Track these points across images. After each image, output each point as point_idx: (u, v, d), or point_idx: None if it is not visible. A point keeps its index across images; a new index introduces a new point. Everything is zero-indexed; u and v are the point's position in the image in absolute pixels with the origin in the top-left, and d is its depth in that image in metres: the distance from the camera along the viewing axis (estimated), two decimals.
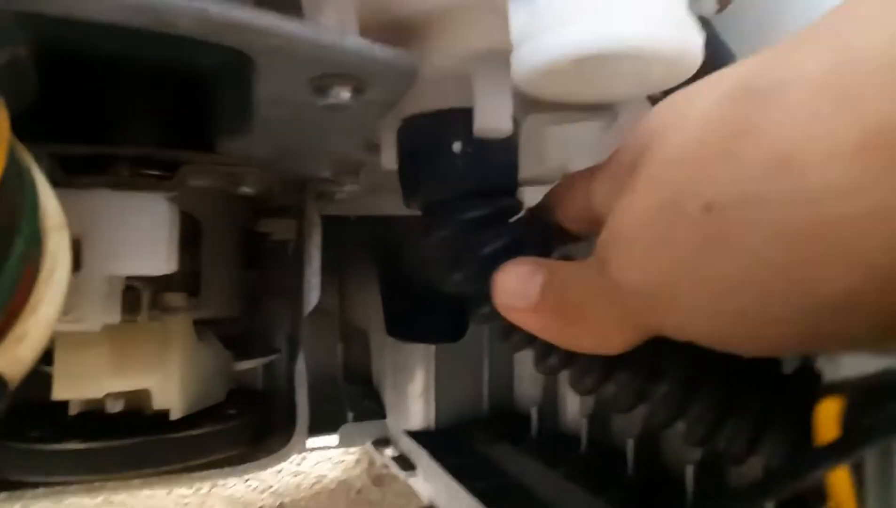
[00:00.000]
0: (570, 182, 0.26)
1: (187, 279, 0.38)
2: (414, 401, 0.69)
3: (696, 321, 0.18)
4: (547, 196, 0.27)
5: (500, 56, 0.27)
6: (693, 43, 0.19)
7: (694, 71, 0.20)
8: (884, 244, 0.13)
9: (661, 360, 0.24)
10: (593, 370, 0.24)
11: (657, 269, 0.17)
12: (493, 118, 0.27)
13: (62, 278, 0.15)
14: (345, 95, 0.23)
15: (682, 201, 0.16)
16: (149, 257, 0.26)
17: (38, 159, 0.32)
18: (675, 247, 0.16)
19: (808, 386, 0.24)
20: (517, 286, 0.23)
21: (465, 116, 0.26)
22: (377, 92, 0.24)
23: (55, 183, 0.32)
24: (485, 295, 0.26)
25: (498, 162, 0.27)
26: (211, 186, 0.38)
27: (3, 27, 0.16)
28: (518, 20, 0.21)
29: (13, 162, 0.14)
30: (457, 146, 0.26)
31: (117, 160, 0.33)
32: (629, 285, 0.18)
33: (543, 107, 0.34)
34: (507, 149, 0.28)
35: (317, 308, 0.46)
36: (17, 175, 0.14)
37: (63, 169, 0.33)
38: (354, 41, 0.21)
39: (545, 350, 0.25)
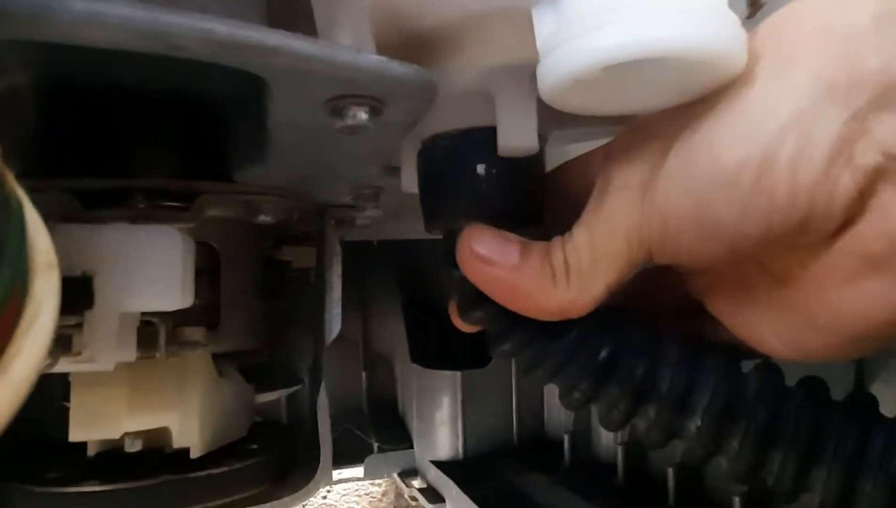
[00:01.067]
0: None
1: (206, 312, 0.37)
2: (441, 430, 0.67)
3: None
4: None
5: (524, 71, 0.25)
6: (739, 41, 0.18)
7: (740, 73, 0.18)
8: None
9: (691, 391, 0.23)
10: (619, 403, 0.24)
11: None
12: (517, 137, 0.25)
13: (45, 328, 0.13)
14: (362, 116, 0.22)
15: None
16: (163, 293, 0.25)
17: (56, 194, 0.31)
18: None
19: (864, 412, 0.22)
20: (495, 245, 0.24)
21: (488, 135, 0.25)
22: (396, 112, 0.23)
23: (72, 218, 0.32)
24: (507, 331, 0.25)
25: (525, 183, 0.26)
26: (229, 215, 0.37)
27: None
28: (544, 29, 0.19)
29: (1, 193, 0.13)
30: (481, 168, 0.25)
31: (134, 193, 0.33)
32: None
33: (570, 122, 0.32)
34: (533, 168, 0.27)
35: (340, 336, 0.44)
36: (5, 207, 0.13)
37: (81, 203, 0.32)
38: (371, 59, 0.20)
39: (570, 384, 0.24)
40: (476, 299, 0.25)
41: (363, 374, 0.78)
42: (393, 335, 0.76)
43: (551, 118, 0.27)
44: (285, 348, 0.56)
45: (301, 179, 0.35)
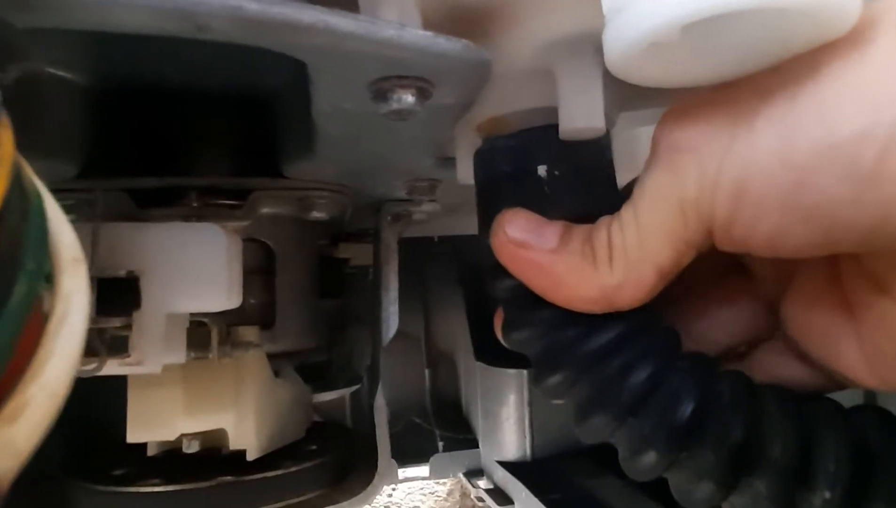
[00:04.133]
0: None
1: (261, 311, 0.36)
2: (507, 430, 0.65)
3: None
4: None
5: (587, 43, 0.23)
6: None
7: (850, 28, 0.15)
8: None
9: (811, 456, 0.18)
10: (712, 472, 0.18)
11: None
12: (582, 117, 0.23)
13: (77, 328, 0.12)
14: (409, 99, 0.20)
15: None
16: (209, 293, 0.24)
17: (111, 194, 0.31)
18: None
19: None
20: (531, 227, 0.21)
21: (549, 134, 0.23)
22: (446, 94, 0.21)
23: (127, 217, 0.32)
24: (557, 360, 0.21)
25: (591, 184, 0.23)
26: (282, 212, 0.36)
27: (12, 41, 0.14)
28: None
29: (17, 185, 0.11)
30: (542, 170, 0.22)
31: (187, 191, 0.32)
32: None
33: (637, 101, 0.30)
34: (600, 167, 0.23)
35: (402, 334, 0.43)
36: (22, 200, 0.12)
37: (135, 202, 0.32)
38: (416, 34, 0.18)
39: (641, 444, 0.19)
40: (520, 310, 0.22)
41: (426, 372, 0.77)
42: (456, 333, 0.75)
43: (617, 98, 0.25)
44: (344, 346, 0.55)
45: (352, 172, 0.34)
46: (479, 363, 0.67)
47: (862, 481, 0.18)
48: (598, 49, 0.23)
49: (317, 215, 0.36)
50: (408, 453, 0.68)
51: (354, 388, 0.51)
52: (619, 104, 0.26)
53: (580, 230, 0.21)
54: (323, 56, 0.18)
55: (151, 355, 0.24)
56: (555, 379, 0.21)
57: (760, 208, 0.16)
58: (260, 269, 0.37)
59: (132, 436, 0.30)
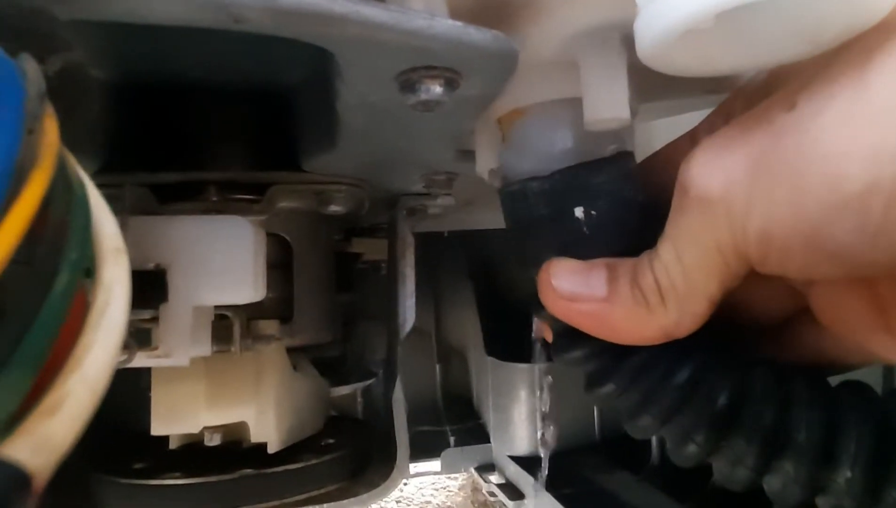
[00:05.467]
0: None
1: (279, 305, 0.36)
2: (519, 425, 0.65)
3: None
4: None
5: (613, 33, 0.23)
6: None
7: (884, 15, 0.15)
8: None
9: (834, 437, 0.19)
10: (746, 458, 0.20)
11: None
12: (606, 107, 0.23)
13: (118, 319, 0.12)
14: (437, 90, 0.20)
15: None
16: (235, 285, 0.24)
17: (131, 188, 0.32)
18: None
19: None
20: (578, 278, 0.22)
21: (585, 172, 0.23)
22: (472, 85, 0.21)
23: (147, 212, 0.32)
24: (608, 370, 0.23)
25: (627, 217, 0.23)
26: (300, 206, 0.36)
27: (55, 33, 0.14)
28: None
29: (62, 175, 0.11)
30: (579, 211, 0.23)
31: (207, 186, 0.32)
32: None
33: (660, 92, 0.29)
34: (633, 198, 0.23)
35: (413, 329, 0.43)
36: (66, 190, 0.12)
37: (155, 197, 0.32)
38: (446, 24, 0.18)
39: (683, 435, 0.21)
40: (571, 335, 0.23)
41: (437, 367, 0.77)
42: (466, 328, 0.75)
43: (639, 89, 0.25)
44: (358, 341, 0.55)
45: (371, 166, 0.34)
46: (490, 357, 0.67)
47: (884, 460, 0.19)
48: (624, 38, 0.23)
49: (335, 208, 0.36)
50: (419, 448, 0.69)
51: (369, 382, 0.51)
52: (642, 95, 0.26)
53: (625, 272, 0.21)
54: (353, 46, 0.18)
55: (179, 347, 0.24)
56: (607, 389, 0.23)
57: (786, 253, 0.17)
58: (278, 263, 0.37)
59: (156, 429, 0.30)
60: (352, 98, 0.23)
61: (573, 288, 0.22)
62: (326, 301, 0.42)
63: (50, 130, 0.11)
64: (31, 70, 0.12)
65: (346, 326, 0.51)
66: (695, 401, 0.21)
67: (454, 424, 0.72)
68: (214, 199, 0.33)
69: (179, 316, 0.24)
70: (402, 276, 0.40)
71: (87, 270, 0.12)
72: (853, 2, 0.15)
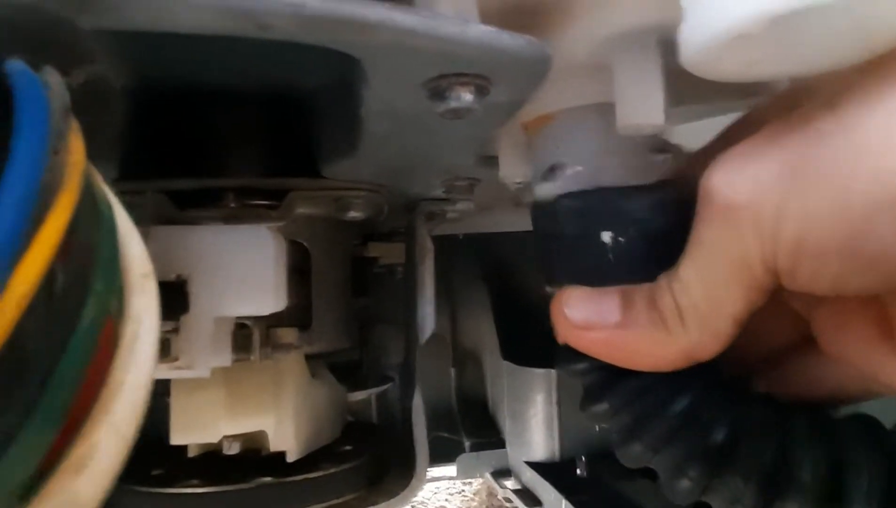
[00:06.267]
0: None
1: (298, 312, 0.36)
2: (535, 430, 0.64)
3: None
4: None
5: (648, 35, 0.22)
6: None
7: None
8: None
9: (841, 477, 0.18)
10: (743, 498, 0.19)
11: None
12: (641, 112, 0.22)
13: (148, 354, 0.11)
14: (467, 97, 0.19)
15: None
16: (256, 296, 0.24)
17: (150, 195, 0.31)
18: None
19: None
20: (590, 305, 0.21)
21: (615, 196, 0.22)
22: (503, 92, 0.20)
23: (167, 219, 0.32)
24: (604, 387, 0.22)
25: (654, 247, 0.22)
26: (318, 212, 0.35)
27: (78, 44, 0.13)
28: None
29: (88, 196, 0.11)
30: (607, 236, 0.22)
31: (225, 192, 0.32)
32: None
33: (692, 96, 0.29)
34: (664, 230, 0.22)
35: None
36: (92, 212, 0.11)
37: (174, 204, 0.32)
38: (479, 29, 0.17)
39: (675, 468, 0.20)
40: (577, 356, 0.22)
41: (452, 371, 0.77)
42: (482, 331, 0.74)
43: (673, 92, 0.24)
44: (374, 345, 0.55)
45: (392, 171, 0.33)
46: (506, 362, 0.66)
47: (894, 499, 0.18)
48: (660, 42, 0.22)
49: (353, 214, 0.35)
50: (434, 452, 0.68)
51: (386, 387, 0.51)
52: (674, 99, 0.25)
53: (641, 295, 0.20)
54: (382, 53, 0.18)
55: (200, 358, 0.23)
56: (599, 408, 0.22)
57: (821, 261, 0.16)
58: (296, 270, 0.36)
59: (176, 439, 0.30)
60: (376, 104, 0.22)
61: (585, 316, 0.21)
62: (344, 307, 0.42)
63: (76, 149, 0.11)
64: (55, 84, 0.11)
65: (362, 330, 0.50)
66: (690, 433, 0.20)
67: (469, 428, 0.72)
68: (232, 205, 0.32)
69: (201, 327, 0.23)
70: (421, 282, 0.40)
71: (116, 298, 0.11)
72: None
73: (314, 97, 0.31)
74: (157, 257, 0.24)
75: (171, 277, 0.23)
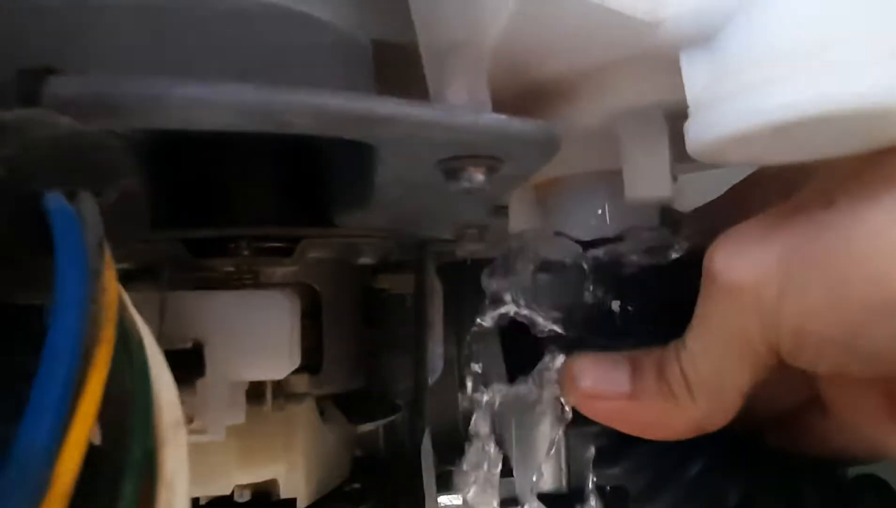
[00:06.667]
0: None
1: (308, 356, 0.36)
2: (543, 459, 0.64)
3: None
4: None
5: (655, 109, 0.23)
6: None
7: None
8: None
9: None
10: None
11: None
12: (648, 184, 0.23)
13: None
14: (479, 177, 0.20)
15: None
16: (272, 361, 0.24)
17: (167, 243, 0.32)
18: None
19: None
20: (601, 374, 0.22)
21: (625, 271, 0.23)
22: (514, 168, 0.21)
23: (184, 266, 0.32)
24: (618, 450, 0.23)
25: (662, 314, 0.23)
26: (330, 256, 0.36)
27: (113, 159, 0.14)
28: (695, 77, 0.16)
29: (122, 341, 0.11)
30: (616, 304, 0.23)
31: (239, 240, 0.32)
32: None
33: (699, 164, 0.29)
34: (675, 298, 0.23)
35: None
36: (126, 357, 0.11)
37: (189, 251, 0.32)
38: (491, 119, 0.18)
39: None
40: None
41: (459, 395, 0.77)
42: (488, 356, 0.74)
43: (679, 155, 0.24)
44: (381, 373, 0.55)
45: (404, 221, 0.34)
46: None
47: None
48: (667, 115, 0.23)
49: (364, 260, 0.36)
50: (441, 479, 0.68)
51: (394, 418, 0.51)
52: (681, 160, 0.26)
53: (650, 365, 0.21)
54: (396, 141, 0.18)
55: (216, 422, 0.24)
56: (614, 471, 0.24)
57: (820, 350, 0.17)
58: (307, 313, 0.37)
59: (190, 492, 0.30)
60: (390, 175, 0.23)
61: (596, 385, 0.22)
62: (355, 346, 0.42)
63: (110, 286, 0.11)
64: (90, 216, 0.12)
65: (370, 358, 0.51)
66: (704, 497, 0.21)
67: None
68: (246, 253, 0.33)
69: (216, 391, 0.24)
70: (430, 323, 0.40)
71: (149, 463, 0.11)
72: None
73: (329, 154, 0.32)
74: (174, 323, 0.24)
75: (189, 344, 0.23)
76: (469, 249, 0.42)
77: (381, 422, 0.50)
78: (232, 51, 0.17)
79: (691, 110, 0.17)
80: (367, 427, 0.48)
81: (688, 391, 0.20)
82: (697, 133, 0.16)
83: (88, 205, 0.12)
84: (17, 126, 0.11)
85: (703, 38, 0.15)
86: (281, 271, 0.35)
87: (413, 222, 0.34)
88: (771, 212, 0.18)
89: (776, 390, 0.23)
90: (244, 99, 0.15)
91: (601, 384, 0.22)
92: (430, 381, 0.40)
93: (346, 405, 0.43)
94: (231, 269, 0.33)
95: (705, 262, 0.19)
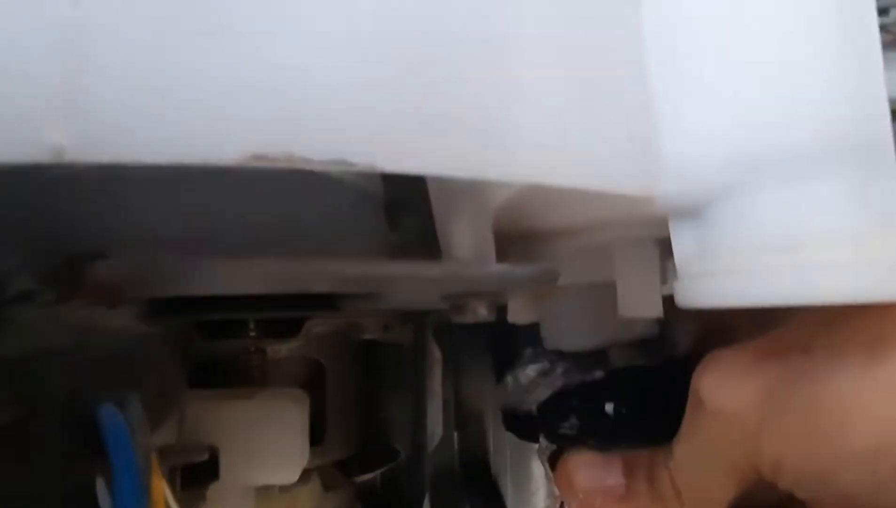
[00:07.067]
0: None
1: (312, 429, 0.37)
2: (537, 504, 0.65)
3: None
4: None
5: (647, 239, 0.24)
6: None
7: None
8: None
9: None
10: None
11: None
12: (640, 305, 0.24)
13: None
14: (482, 311, 0.21)
15: None
16: (284, 465, 0.26)
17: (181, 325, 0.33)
18: None
19: None
20: (595, 476, 0.23)
21: (622, 375, 0.24)
22: (515, 295, 0.22)
23: (197, 349, 0.34)
24: None
25: (653, 418, 0.24)
26: (335, 331, 0.37)
27: (156, 357, 0.15)
28: (684, 245, 0.18)
29: None
30: (609, 407, 0.24)
31: (247, 323, 0.34)
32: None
33: None
34: (667, 403, 0.24)
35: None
36: None
37: (200, 334, 0.33)
38: (496, 268, 0.19)
39: None
40: None
41: (455, 434, 0.78)
42: (485, 394, 0.75)
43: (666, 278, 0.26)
44: (379, 420, 0.56)
45: (408, 305, 0.35)
46: (508, 432, 0.68)
47: None
48: (658, 242, 0.24)
49: (368, 336, 0.37)
50: None
51: (392, 465, 0.52)
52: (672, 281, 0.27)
53: (642, 467, 0.22)
54: (406, 290, 0.20)
55: None
56: None
57: (797, 480, 0.18)
58: (310, 384, 0.38)
59: None
60: (397, 298, 0.24)
61: (591, 484, 0.23)
62: (355, 411, 0.43)
63: (157, 489, 0.12)
64: (138, 425, 0.13)
65: (368, 407, 0.52)
66: None
67: (473, 495, 0.72)
68: (253, 335, 0.34)
69: (228, 494, 0.25)
70: (431, 392, 0.41)
71: None
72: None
73: None
74: (191, 431, 0.25)
75: (205, 457, 0.24)
76: (469, 318, 0.44)
77: (379, 471, 0.51)
78: (259, 214, 0.18)
79: (680, 274, 0.18)
80: (365, 477, 0.49)
81: (676, 497, 0.21)
82: (686, 297, 0.18)
83: (136, 412, 0.13)
84: (76, 346, 0.13)
85: (692, 213, 0.17)
86: (286, 347, 0.36)
87: (414, 303, 0.35)
88: (755, 345, 0.20)
89: (759, 492, 0.25)
90: (269, 272, 0.17)
91: (596, 484, 0.23)
92: (429, 448, 0.41)
93: (344, 463, 0.44)
94: (239, 348, 0.34)
95: (693, 382, 0.21)
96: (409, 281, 0.18)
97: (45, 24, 0.10)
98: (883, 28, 0.16)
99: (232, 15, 0.11)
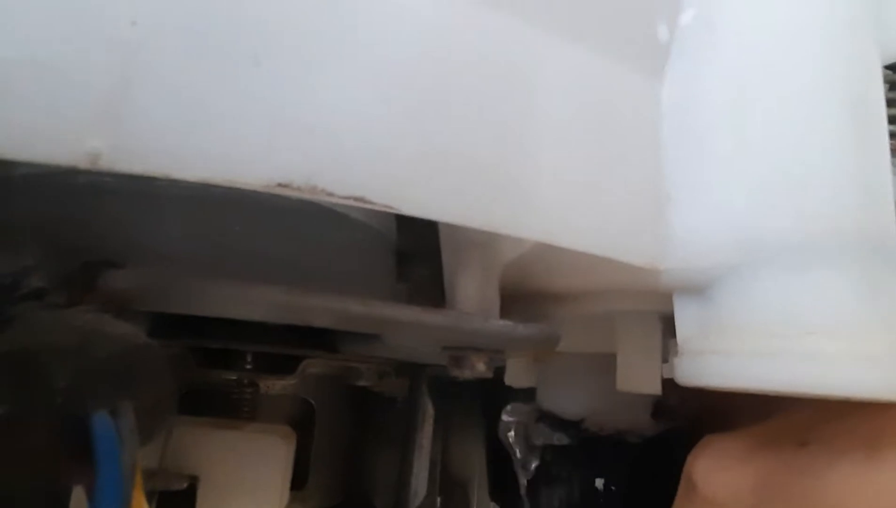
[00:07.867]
0: None
1: (295, 471, 0.37)
2: None
3: None
4: None
5: (651, 313, 0.24)
6: None
7: None
8: None
9: None
10: None
11: None
12: (640, 381, 0.24)
13: None
14: (480, 367, 0.21)
15: None
16: (263, 500, 0.25)
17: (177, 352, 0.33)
18: None
19: None
20: None
21: (616, 453, 0.24)
22: (515, 355, 0.22)
23: (190, 379, 0.33)
24: None
25: (643, 496, 0.24)
26: (329, 373, 0.37)
27: (157, 368, 0.15)
28: (686, 321, 0.18)
29: None
30: (600, 483, 0.24)
31: (244, 355, 0.34)
32: None
33: None
34: (657, 483, 0.24)
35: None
36: None
37: (196, 363, 0.33)
38: (498, 324, 0.19)
39: None
40: None
41: (438, 500, 0.75)
42: (471, 462, 0.73)
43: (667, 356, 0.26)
44: (364, 472, 0.55)
45: (406, 355, 0.35)
46: (493, 504, 0.66)
47: None
48: (662, 318, 0.24)
49: (363, 383, 0.36)
50: None
51: None
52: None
53: None
54: (409, 335, 0.20)
55: None
56: None
57: None
58: (298, 427, 0.37)
59: None
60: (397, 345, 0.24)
61: None
62: (341, 459, 0.42)
63: (137, 504, 0.12)
64: (127, 434, 0.13)
65: (354, 456, 0.50)
66: None
67: None
68: (249, 367, 0.34)
69: None
70: (419, 447, 0.40)
71: None
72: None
73: None
74: (172, 458, 0.25)
75: (184, 485, 0.24)
76: (466, 375, 0.43)
77: None
78: (273, 244, 0.19)
79: (680, 350, 0.18)
80: None
81: None
82: (686, 374, 0.18)
83: (128, 422, 0.13)
84: (79, 347, 0.13)
85: (697, 289, 0.17)
86: (280, 383, 0.36)
87: (412, 353, 0.35)
88: (751, 432, 0.20)
89: None
90: (274, 300, 0.17)
91: None
92: (413, 505, 0.40)
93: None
94: (233, 379, 0.34)
95: (686, 466, 0.20)
96: (411, 326, 0.18)
97: (104, 38, 0.10)
98: (893, 135, 0.17)
99: (275, 52, 0.12)
